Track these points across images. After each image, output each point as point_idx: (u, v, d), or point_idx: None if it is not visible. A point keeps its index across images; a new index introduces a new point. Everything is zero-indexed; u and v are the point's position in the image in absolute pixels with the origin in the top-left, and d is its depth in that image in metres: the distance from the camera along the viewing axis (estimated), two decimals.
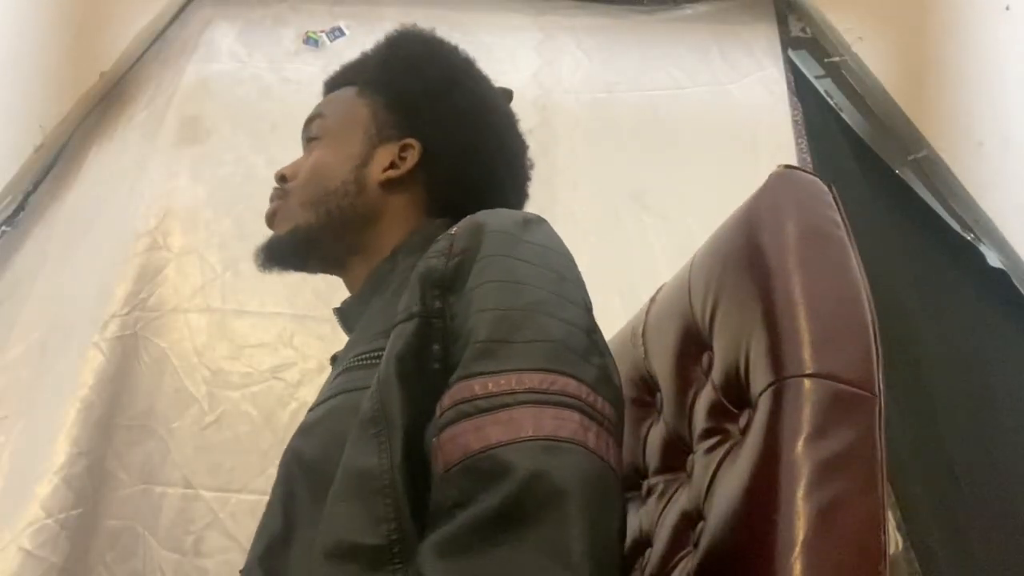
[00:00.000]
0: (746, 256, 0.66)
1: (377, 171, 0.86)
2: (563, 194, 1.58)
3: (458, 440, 0.54)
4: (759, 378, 0.59)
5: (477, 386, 0.56)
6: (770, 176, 0.70)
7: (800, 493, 0.51)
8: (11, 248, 1.72)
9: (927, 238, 1.73)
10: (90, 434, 1.33)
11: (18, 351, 1.52)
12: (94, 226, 1.62)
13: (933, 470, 1.43)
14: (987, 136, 1.66)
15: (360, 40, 1.80)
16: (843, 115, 1.83)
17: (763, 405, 0.57)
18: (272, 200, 0.89)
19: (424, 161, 0.86)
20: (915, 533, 1.33)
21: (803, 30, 1.86)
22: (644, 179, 1.66)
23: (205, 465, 1.37)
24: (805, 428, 0.54)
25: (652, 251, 1.60)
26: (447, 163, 0.87)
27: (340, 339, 0.83)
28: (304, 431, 0.67)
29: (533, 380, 0.56)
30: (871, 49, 1.74)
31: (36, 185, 1.78)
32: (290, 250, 0.86)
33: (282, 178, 0.89)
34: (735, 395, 0.63)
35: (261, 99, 1.72)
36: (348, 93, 0.92)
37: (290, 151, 1.77)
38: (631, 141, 1.70)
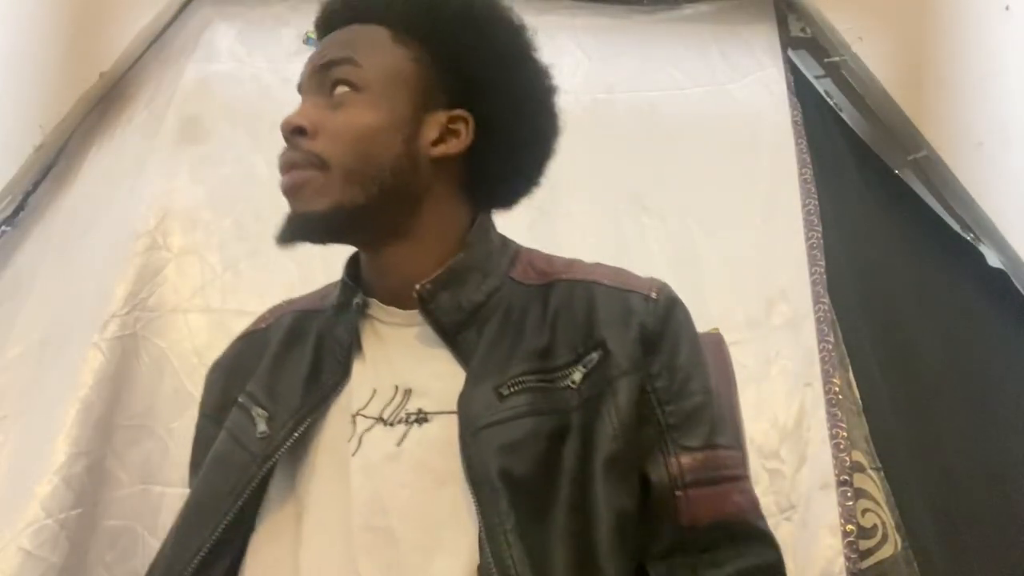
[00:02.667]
0: None
1: (426, 144, 0.75)
2: (562, 194, 1.58)
3: (711, 501, 0.70)
4: None
5: (725, 458, 0.72)
6: None
7: None
8: (11, 248, 1.72)
9: (927, 238, 1.73)
10: (90, 434, 1.33)
11: (18, 351, 1.52)
12: (94, 226, 1.62)
13: (932, 471, 1.43)
14: (987, 136, 1.66)
15: None
16: (843, 115, 1.83)
17: None
18: (295, 165, 0.73)
19: (475, 139, 0.76)
20: (914, 533, 1.33)
21: (803, 30, 1.86)
22: (644, 179, 1.66)
23: None
24: None
25: (651, 252, 1.60)
26: (502, 146, 0.78)
27: None
28: (508, 450, 0.66)
29: (741, 456, 0.75)
30: (871, 49, 1.74)
31: (36, 185, 1.78)
32: (326, 228, 0.74)
33: (301, 131, 0.73)
34: None
35: (261, 99, 1.71)
36: (381, 36, 0.76)
37: None
38: (631, 141, 1.70)
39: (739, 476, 0.73)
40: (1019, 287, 1.66)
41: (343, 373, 0.75)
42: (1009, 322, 1.65)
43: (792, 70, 1.79)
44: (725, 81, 1.78)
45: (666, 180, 1.65)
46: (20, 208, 1.75)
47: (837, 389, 1.40)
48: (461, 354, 0.73)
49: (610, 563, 0.65)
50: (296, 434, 0.72)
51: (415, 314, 0.74)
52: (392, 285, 0.76)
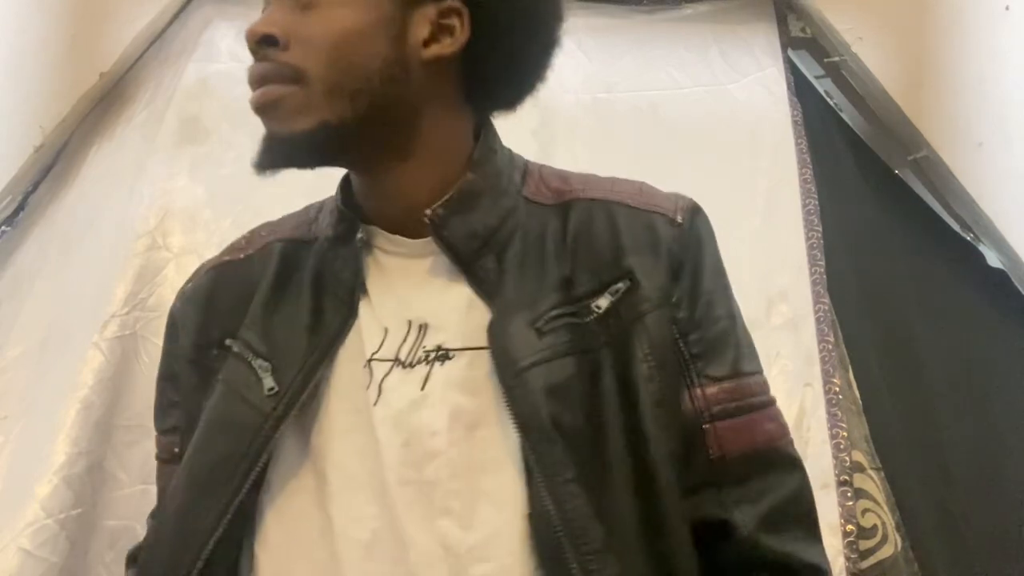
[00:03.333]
0: None
1: (417, 45, 0.66)
2: None
3: (739, 432, 0.67)
4: None
5: (752, 385, 0.70)
6: None
7: None
8: (11, 248, 1.72)
9: (927, 238, 1.73)
10: (90, 434, 1.33)
11: (18, 351, 1.52)
12: (94, 226, 1.62)
13: (932, 470, 1.43)
14: (987, 136, 1.66)
15: None
16: (843, 115, 1.83)
17: None
18: (268, 78, 0.64)
19: (471, 33, 0.67)
20: (915, 533, 1.33)
21: (803, 30, 1.86)
22: (644, 179, 1.65)
23: None
24: None
25: None
26: (503, 38, 0.68)
27: None
28: (556, 393, 0.62)
29: (765, 380, 0.72)
30: (871, 49, 1.74)
31: (36, 185, 1.77)
32: (312, 150, 0.66)
33: (270, 40, 0.64)
34: None
35: None
36: None
37: None
38: (631, 141, 1.69)
39: (767, 402, 0.71)
40: (1019, 287, 1.66)
41: (348, 313, 0.68)
42: (1009, 322, 1.65)
43: (792, 70, 1.79)
44: (725, 81, 1.78)
45: (666, 180, 1.63)
46: (20, 208, 1.75)
47: (837, 389, 1.40)
48: (479, 284, 0.67)
49: (676, 513, 0.63)
50: (308, 387, 0.66)
51: (425, 243, 0.68)
52: (395, 212, 0.69)
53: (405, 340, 0.66)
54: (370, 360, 0.66)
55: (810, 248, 1.54)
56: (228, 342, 0.71)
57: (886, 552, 1.29)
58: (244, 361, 0.69)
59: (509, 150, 0.76)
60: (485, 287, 0.67)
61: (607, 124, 1.71)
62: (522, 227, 0.70)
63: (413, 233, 0.69)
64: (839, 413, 1.37)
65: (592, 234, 0.70)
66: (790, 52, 1.83)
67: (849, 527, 1.27)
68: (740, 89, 1.77)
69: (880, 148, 1.81)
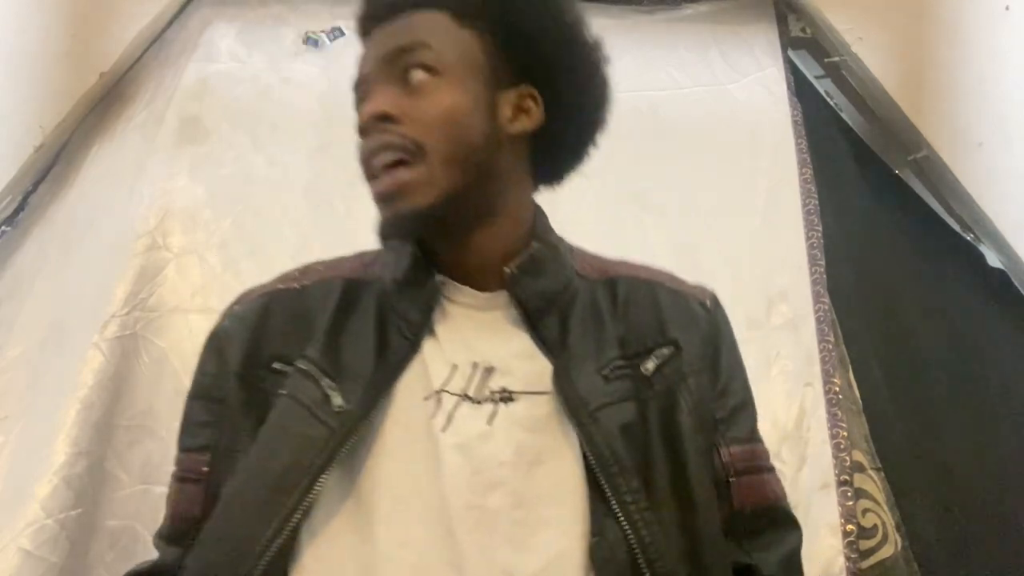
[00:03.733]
0: None
1: (504, 122, 0.76)
2: (563, 194, 1.57)
3: (755, 489, 0.78)
4: None
5: (761, 451, 0.81)
6: None
7: None
8: (11, 248, 1.72)
9: (927, 238, 1.74)
10: (90, 434, 1.33)
11: (18, 351, 1.52)
12: (94, 226, 1.62)
13: (932, 470, 1.43)
14: (987, 136, 1.67)
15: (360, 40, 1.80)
16: (843, 115, 1.83)
17: None
18: (392, 146, 0.71)
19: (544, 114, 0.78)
20: (915, 533, 1.33)
21: (803, 30, 1.86)
22: (644, 179, 1.65)
23: None
24: None
25: (652, 251, 1.60)
26: (569, 120, 0.80)
27: None
28: (628, 431, 0.71)
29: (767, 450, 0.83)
30: (871, 49, 1.74)
31: (36, 185, 1.77)
32: (433, 220, 0.73)
33: (387, 118, 0.72)
34: None
35: (261, 99, 1.71)
36: (445, 21, 0.76)
37: (290, 151, 1.77)
38: (631, 141, 1.69)
39: (772, 468, 0.82)
40: (1019, 287, 1.66)
41: (411, 348, 0.74)
42: (1009, 322, 1.65)
43: (792, 70, 1.80)
44: (725, 81, 1.78)
45: (666, 180, 1.65)
46: (20, 208, 1.75)
47: (837, 389, 1.40)
48: (542, 338, 0.75)
49: (714, 550, 0.72)
50: (374, 409, 0.70)
51: (491, 296, 0.76)
52: (472, 265, 0.77)
53: (472, 379, 0.73)
54: (440, 391, 0.72)
55: (810, 248, 1.54)
56: (277, 365, 0.76)
57: (886, 552, 1.29)
58: (311, 378, 0.73)
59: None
60: (548, 341, 0.75)
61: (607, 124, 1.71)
62: (579, 294, 0.80)
63: (480, 286, 0.77)
64: (839, 413, 1.37)
65: (639, 305, 0.80)
66: (790, 52, 1.83)
67: (849, 527, 1.27)
68: (740, 89, 1.77)
69: (880, 148, 1.81)
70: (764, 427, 1.43)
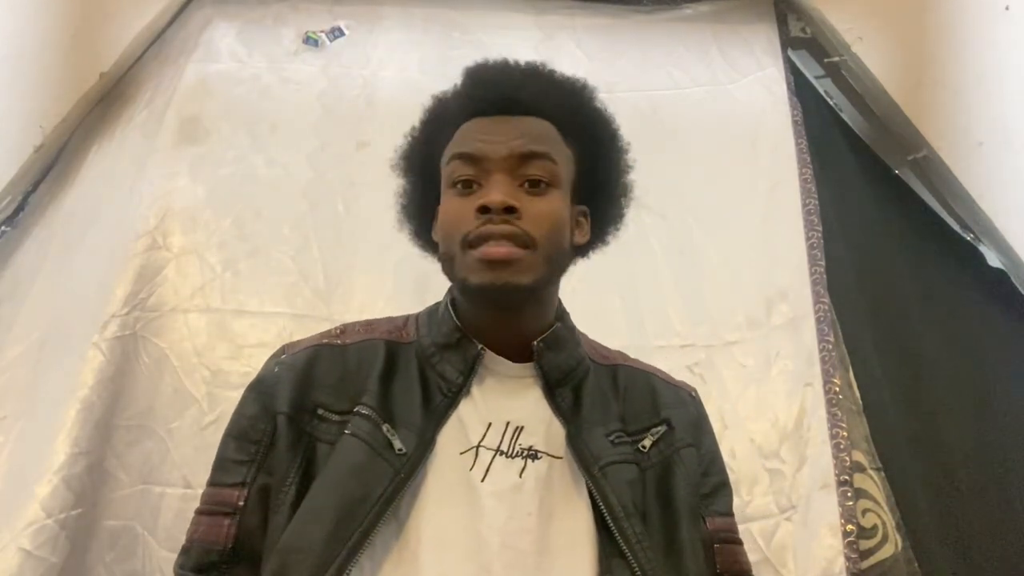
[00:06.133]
0: None
1: (572, 232, 0.89)
2: None
3: (735, 557, 0.90)
4: None
5: (735, 526, 0.93)
6: None
7: None
8: (11, 248, 1.72)
9: (927, 238, 1.74)
10: (90, 434, 1.33)
11: (18, 351, 1.52)
12: (94, 226, 1.62)
13: (932, 470, 1.43)
14: (987, 136, 1.67)
15: (360, 40, 1.80)
16: (843, 115, 1.83)
17: None
18: (511, 237, 0.81)
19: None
20: (915, 533, 1.33)
21: (803, 30, 1.86)
22: (644, 179, 1.65)
23: (205, 465, 1.34)
24: None
25: (652, 251, 1.60)
26: (604, 232, 0.94)
27: None
28: (632, 486, 0.83)
29: None
30: (871, 49, 1.74)
31: (36, 185, 1.78)
32: (521, 298, 0.84)
33: (511, 210, 0.82)
34: None
35: (261, 99, 1.72)
36: (553, 133, 0.88)
37: (290, 151, 1.77)
38: (631, 141, 1.69)
39: (741, 541, 0.94)
40: (1019, 287, 1.66)
41: (450, 405, 0.85)
42: (1009, 322, 1.65)
43: (792, 70, 1.80)
44: (725, 81, 1.79)
45: (667, 180, 1.65)
46: (20, 208, 1.75)
47: (837, 389, 1.40)
48: (557, 406, 0.87)
49: None
50: (426, 455, 0.81)
51: (522, 367, 0.88)
52: (510, 340, 0.87)
53: (504, 436, 0.84)
54: (479, 445, 0.83)
55: (810, 248, 1.54)
56: (322, 411, 0.85)
57: (886, 552, 1.29)
58: (372, 422, 0.83)
59: None
60: (562, 409, 0.87)
61: None
62: (589, 373, 0.91)
63: (515, 357, 0.88)
64: (839, 413, 1.37)
65: (637, 390, 0.94)
66: (790, 52, 1.83)
67: (849, 527, 1.27)
68: (740, 89, 1.77)
69: (880, 148, 1.81)
70: (764, 427, 1.44)
